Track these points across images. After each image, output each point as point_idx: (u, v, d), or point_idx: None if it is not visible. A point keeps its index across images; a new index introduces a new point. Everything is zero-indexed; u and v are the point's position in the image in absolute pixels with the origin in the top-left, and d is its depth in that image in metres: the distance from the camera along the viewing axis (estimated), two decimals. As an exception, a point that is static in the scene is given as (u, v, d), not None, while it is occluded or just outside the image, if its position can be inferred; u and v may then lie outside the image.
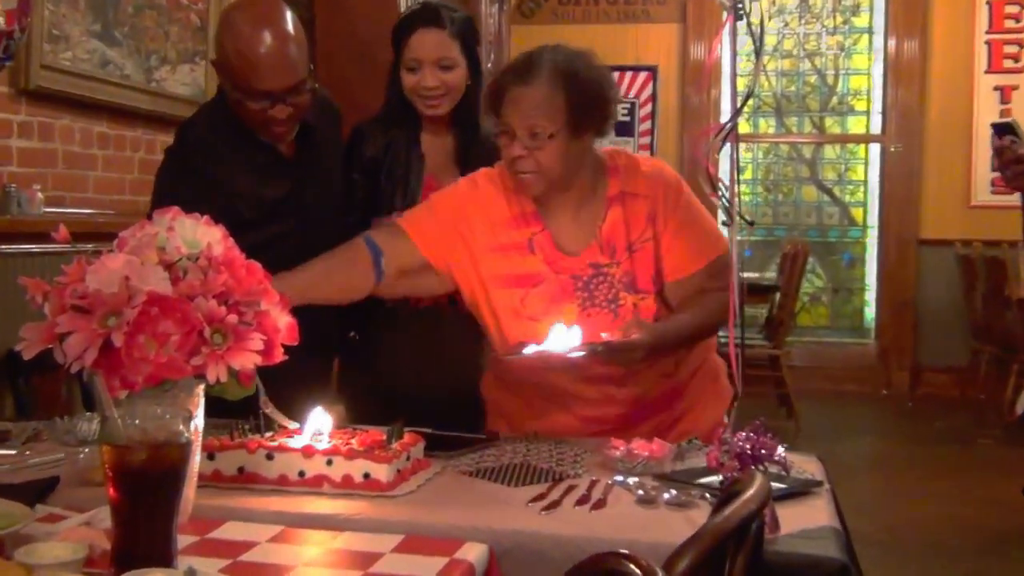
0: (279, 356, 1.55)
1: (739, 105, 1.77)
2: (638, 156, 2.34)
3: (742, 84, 6.93)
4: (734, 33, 1.75)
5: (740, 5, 1.74)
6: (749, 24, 1.74)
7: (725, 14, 1.78)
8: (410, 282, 2.32)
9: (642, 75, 8.03)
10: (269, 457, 1.76)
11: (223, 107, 2.42)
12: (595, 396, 2.26)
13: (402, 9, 4.83)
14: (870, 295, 8.29)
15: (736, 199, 1.75)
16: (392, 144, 2.65)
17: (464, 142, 2.65)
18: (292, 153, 2.49)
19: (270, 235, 2.28)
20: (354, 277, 2.26)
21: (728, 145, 1.79)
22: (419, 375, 2.58)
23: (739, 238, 1.79)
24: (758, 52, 1.72)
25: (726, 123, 1.73)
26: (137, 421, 1.33)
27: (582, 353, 2.04)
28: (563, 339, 2.04)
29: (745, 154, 8.26)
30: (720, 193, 1.75)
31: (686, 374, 2.35)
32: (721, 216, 1.85)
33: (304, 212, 2.47)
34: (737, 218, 1.75)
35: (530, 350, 2.06)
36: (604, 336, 2.06)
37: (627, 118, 8.02)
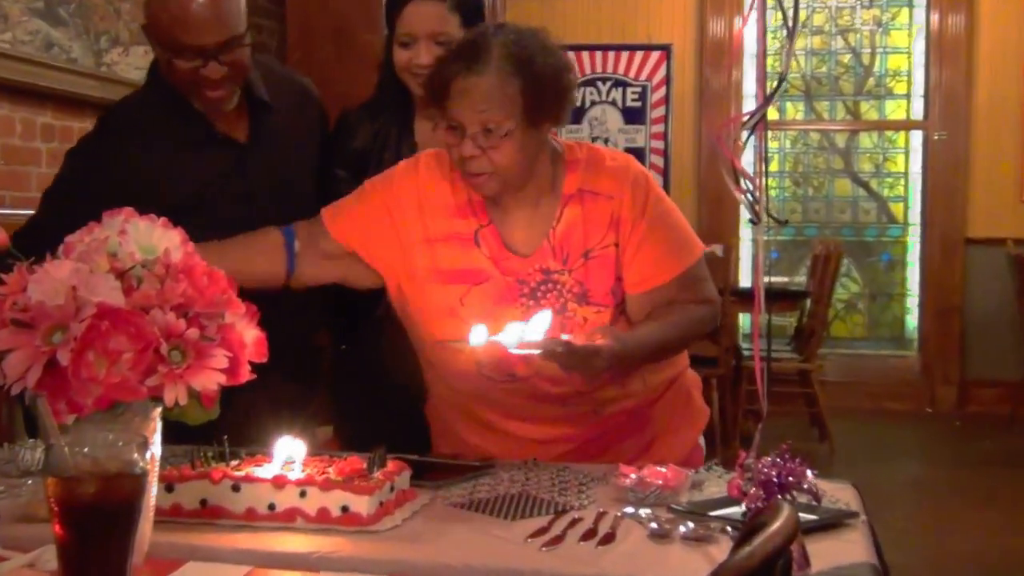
0: (246, 375, 1.55)
1: (769, 93, 1.76)
2: (602, 149, 2.31)
3: (770, 65, 6.90)
4: (763, 8, 1.75)
5: None
6: (780, 4, 1.74)
7: None
8: (338, 268, 2.34)
9: (655, 55, 8.04)
10: (235, 488, 1.76)
11: (155, 86, 2.50)
12: (546, 415, 2.26)
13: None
14: (912, 301, 8.31)
15: (763, 195, 1.75)
16: (381, 132, 2.68)
17: None
18: (245, 137, 2.54)
19: (201, 225, 2.27)
20: (259, 260, 2.28)
21: (753, 135, 1.79)
22: (418, 384, 2.59)
23: (765, 238, 1.79)
24: (792, 32, 1.72)
25: (754, 111, 1.73)
26: (86, 449, 1.33)
27: (538, 351, 2.00)
28: (519, 332, 2.01)
29: (771, 143, 8.28)
30: (744, 188, 1.75)
31: (653, 395, 2.34)
32: (746, 214, 1.85)
33: (248, 202, 2.49)
34: (764, 216, 1.75)
35: (478, 338, 2.02)
36: (565, 337, 2.03)
37: (638, 103, 8.03)
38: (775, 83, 1.78)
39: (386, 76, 2.70)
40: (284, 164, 2.59)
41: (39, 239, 2.54)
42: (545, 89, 2.13)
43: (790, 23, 1.76)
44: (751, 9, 1.77)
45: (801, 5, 8.26)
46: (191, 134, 2.49)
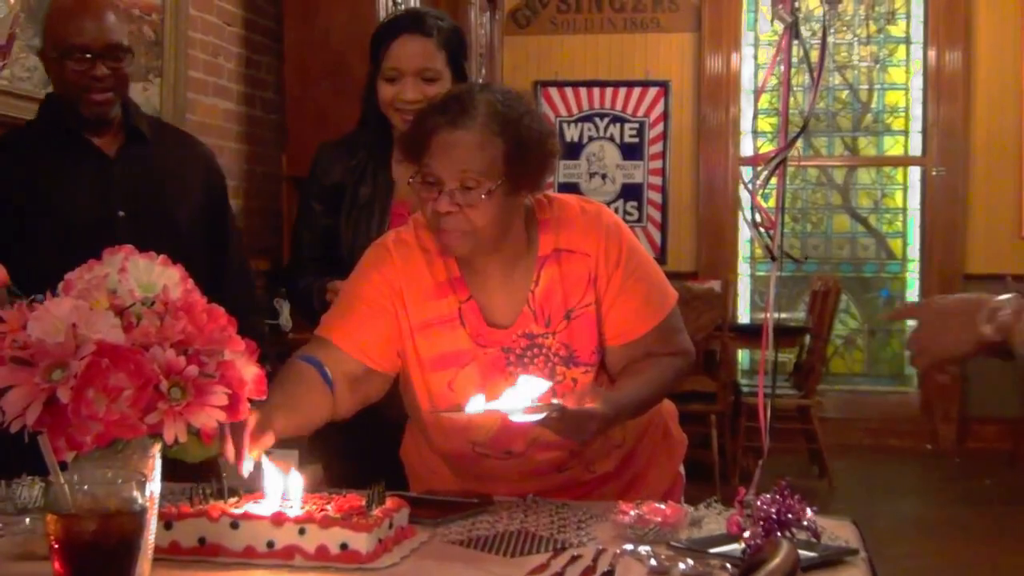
0: (245, 412, 1.56)
1: (792, 136, 1.77)
2: (570, 202, 2.26)
3: (765, 101, 6.97)
4: (789, 50, 1.77)
5: (797, 14, 1.76)
6: (802, 42, 1.75)
7: (781, 30, 1.79)
8: (362, 392, 2.22)
9: (652, 91, 8.09)
10: (234, 526, 1.76)
11: (42, 115, 2.89)
12: (540, 482, 2.24)
13: (381, 17, 4.89)
14: (911, 337, 8.30)
15: (780, 232, 1.76)
16: (357, 167, 2.72)
17: None
18: (115, 155, 2.81)
19: (56, 233, 2.65)
20: (315, 397, 2.12)
21: (760, 174, 1.81)
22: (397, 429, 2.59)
23: (760, 273, 1.81)
24: (817, 76, 1.73)
25: (776, 151, 1.75)
26: (86, 487, 1.34)
27: (537, 416, 1.96)
28: (515, 398, 1.98)
29: (770, 180, 8.31)
30: (761, 227, 1.77)
31: (634, 439, 2.34)
32: (744, 250, 1.87)
33: (107, 217, 2.73)
34: (780, 255, 1.77)
35: (475, 406, 1.98)
36: (556, 402, 1.99)
37: (636, 139, 8.07)
38: (777, 120, 1.80)
39: (367, 110, 2.73)
40: (149, 190, 2.81)
41: None
42: (529, 152, 2.10)
43: (815, 68, 1.77)
44: (778, 52, 1.78)
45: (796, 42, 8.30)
46: (68, 145, 2.77)
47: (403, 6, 2.80)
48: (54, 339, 1.43)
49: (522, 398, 1.97)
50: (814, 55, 1.79)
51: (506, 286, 2.21)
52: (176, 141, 2.99)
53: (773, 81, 1.79)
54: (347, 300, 2.27)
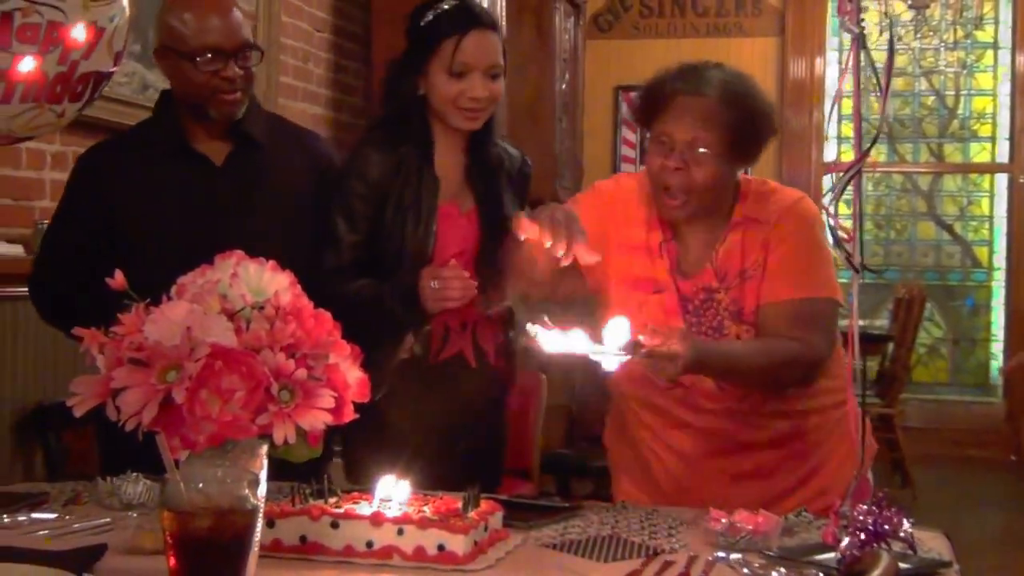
0: (350, 415, 1.60)
1: (866, 148, 1.78)
2: (775, 184, 2.44)
3: (847, 107, 6.89)
4: (858, 62, 1.78)
5: (863, 28, 1.77)
6: (868, 52, 1.76)
7: (850, 41, 1.80)
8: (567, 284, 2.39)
9: (735, 96, 8.05)
10: (334, 525, 1.80)
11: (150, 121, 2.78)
12: (702, 426, 2.37)
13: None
14: (997, 347, 8.19)
15: (858, 244, 1.77)
16: (403, 164, 2.58)
17: (480, 161, 2.67)
18: (221, 163, 2.66)
19: (162, 243, 2.52)
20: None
21: (835, 183, 1.81)
22: (436, 433, 2.62)
23: (842, 281, 1.80)
24: (886, 87, 1.74)
25: (851, 164, 1.76)
26: (200, 485, 1.39)
27: (618, 354, 2.01)
28: (597, 339, 2.02)
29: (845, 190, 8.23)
30: (840, 239, 1.78)
31: (806, 421, 2.40)
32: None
33: (212, 225, 2.54)
34: (860, 265, 1.77)
35: (550, 338, 2.00)
36: (641, 339, 2.05)
37: (718, 144, 8.04)
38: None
39: (406, 104, 2.60)
40: (260, 198, 2.65)
41: (47, 268, 2.73)
42: (753, 126, 2.31)
43: (883, 78, 1.77)
44: (850, 58, 1.79)
45: (883, 47, 8.21)
46: (167, 147, 2.65)
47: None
48: (170, 341, 1.48)
49: (609, 342, 2.01)
50: (881, 60, 1.79)
51: (699, 242, 2.39)
52: (293, 141, 2.78)
53: (849, 87, 1.79)
54: (576, 201, 2.48)
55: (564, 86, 6.70)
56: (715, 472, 2.38)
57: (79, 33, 2.34)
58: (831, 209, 1.79)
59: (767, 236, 2.34)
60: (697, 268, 2.38)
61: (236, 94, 2.59)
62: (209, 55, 2.53)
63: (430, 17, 2.58)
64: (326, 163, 2.75)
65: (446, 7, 2.58)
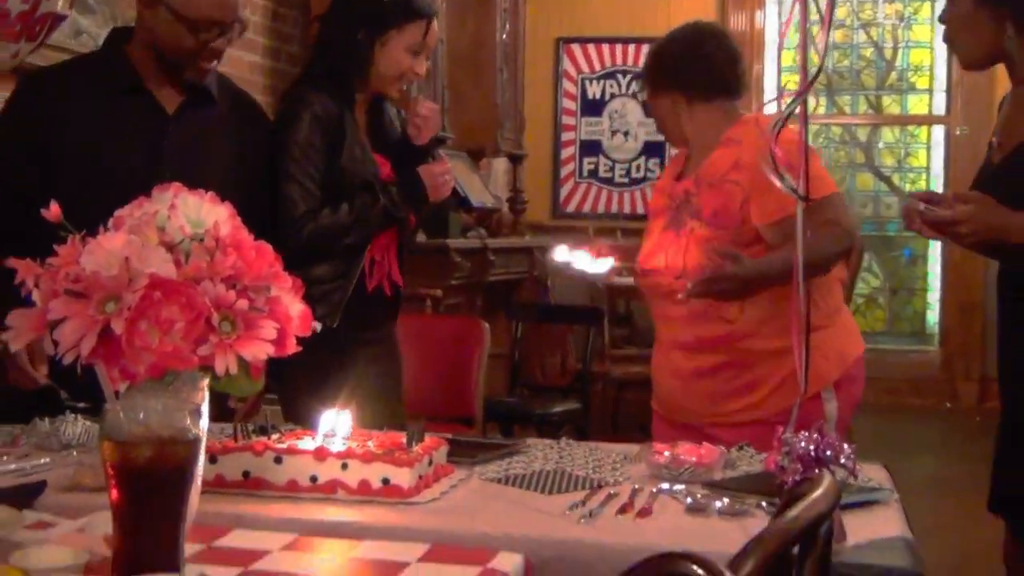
0: (292, 347, 1.58)
1: (811, 78, 1.79)
2: (768, 118, 2.54)
3: (788, 58, 6.91)
4: (805, 4, 1.78)
5: None
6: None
7: None
8: None
9: (675, 48, 8.04)
10: (277, 460, 1.80)
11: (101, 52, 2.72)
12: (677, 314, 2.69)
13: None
14: (933, 296, 8.31)
15: (804, 176, 1.78)
16: (342, 110, 2.78)
17: (376, 120, 2.90)
18: (173, 111, 2.63)
19: (107, 182, 2.40)
20: None
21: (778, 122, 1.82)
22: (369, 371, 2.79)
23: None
24: (828, 22, 1.75)
25: (795, 94, 1.77)
26: (141, 415, 1.37)
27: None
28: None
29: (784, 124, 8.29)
30: (782, 175, 1.79)
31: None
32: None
33: (154, 169, 2.51)
34: (805, 195, 1.79)
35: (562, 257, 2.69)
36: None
37: (658, 96, 8.04)
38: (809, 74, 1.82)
39: (352, 65, 2.77)
40: (209, 152, 2.66)
41: None
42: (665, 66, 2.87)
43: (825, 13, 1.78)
44: (794, 3, 1.80)
45: (823, -2, 8.25)
46: (118, 85, 2.59)
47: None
48: (108, 272, 1.45)
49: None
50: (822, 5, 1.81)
51: (695, 151, 2.81)
52: (241, 102, 2.83)
53: (797, 38, 1.81)
54: None
55: (504, 36, 6.66)
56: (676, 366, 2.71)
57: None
58: (774, 138, 1.79)
59: (738, 156, 2.63)
60: (689, 175, 2.77)
61: (213, 62, 2.62)
62: (214, 29, 2.54)
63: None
64: (267, 125, 2.86)
65: None
